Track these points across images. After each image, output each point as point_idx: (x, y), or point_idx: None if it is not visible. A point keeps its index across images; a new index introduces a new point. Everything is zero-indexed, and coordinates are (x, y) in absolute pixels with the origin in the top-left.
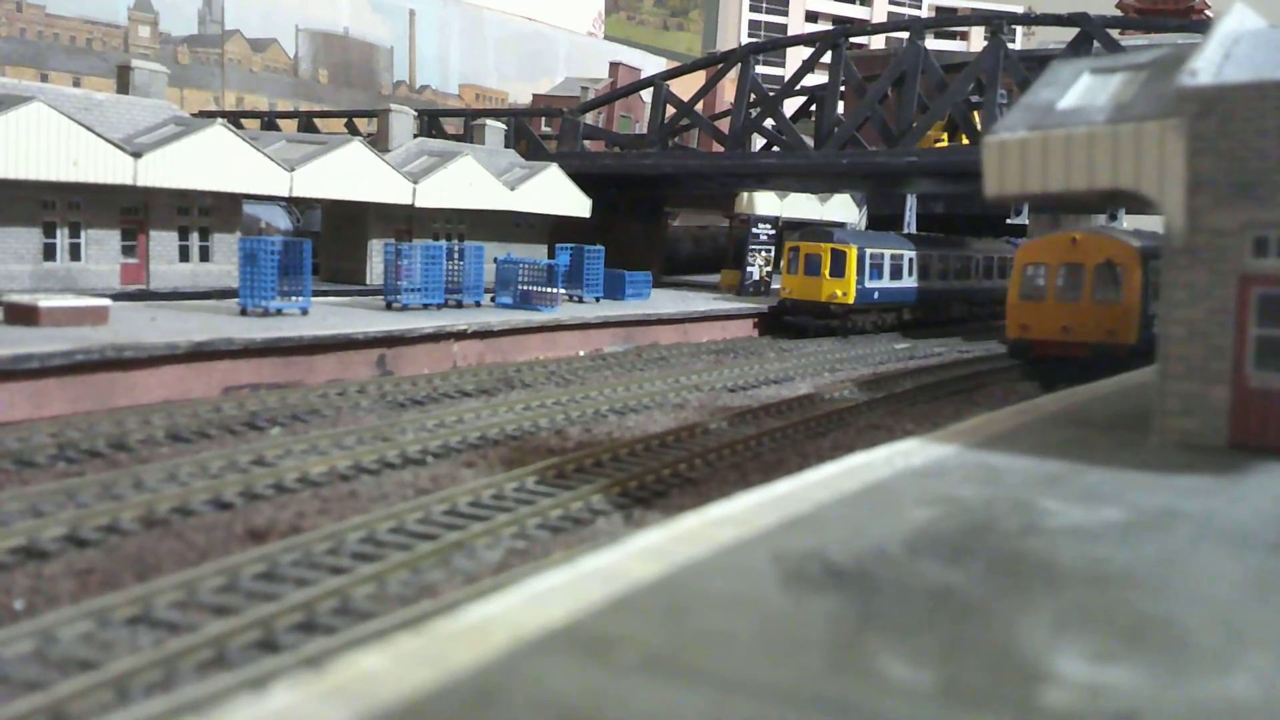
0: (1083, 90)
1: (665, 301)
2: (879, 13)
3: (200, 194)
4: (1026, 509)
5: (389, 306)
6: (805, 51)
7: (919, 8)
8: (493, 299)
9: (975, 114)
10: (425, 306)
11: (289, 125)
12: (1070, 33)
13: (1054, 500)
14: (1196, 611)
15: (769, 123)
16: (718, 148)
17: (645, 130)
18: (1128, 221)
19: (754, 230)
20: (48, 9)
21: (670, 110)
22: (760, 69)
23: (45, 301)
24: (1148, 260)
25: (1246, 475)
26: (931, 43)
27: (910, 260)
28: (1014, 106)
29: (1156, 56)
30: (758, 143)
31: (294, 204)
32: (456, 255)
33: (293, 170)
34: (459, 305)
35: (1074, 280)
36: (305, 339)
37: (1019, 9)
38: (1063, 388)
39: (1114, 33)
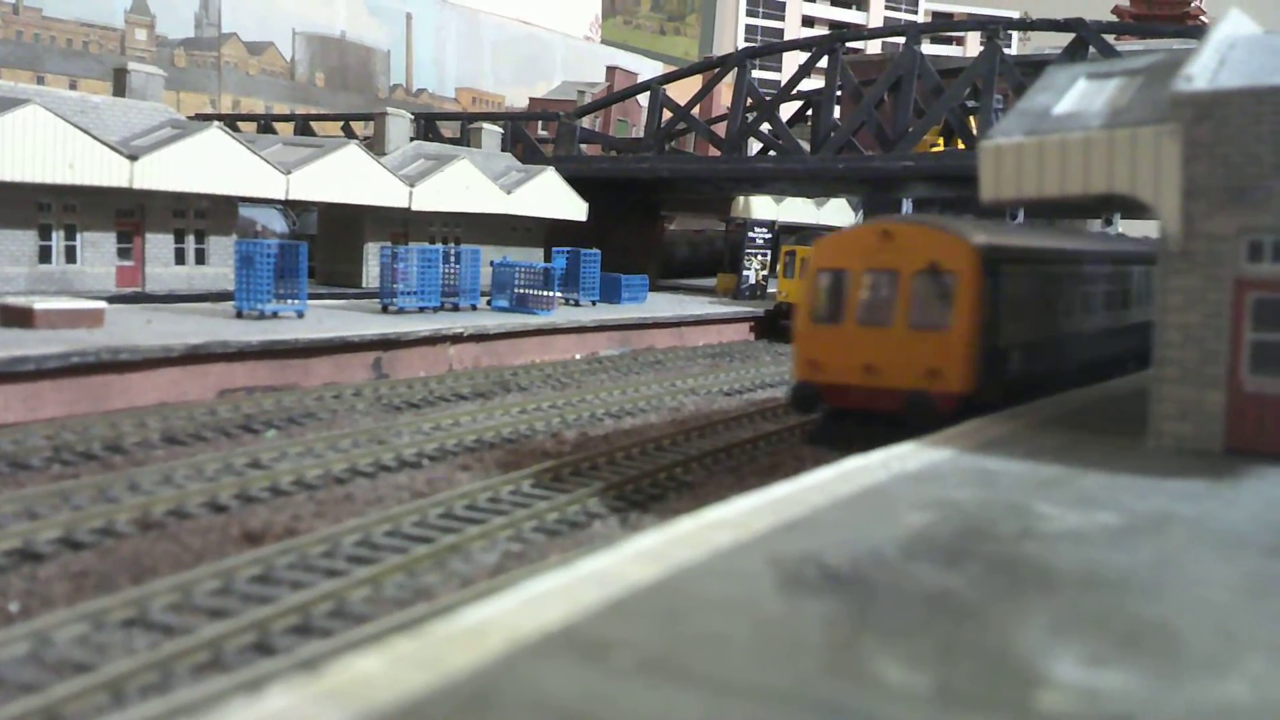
0: (1078, 95)
1: (661, 305)
2: (875, 18)
3: (196, 197)
4: (1022, 513)
5: (385, 309)
6: (802, 56)
7: (915, 13)
8: (489, 302)
9: (971, 119)
10: (421, 310)
11: (285, 128)
12: (1066, 38)
13: (1050, 504)
14: (1192, 615)
15: (765, 127)
16: (714, 152)
17: (642, 134)
18: (1123, 226)
19: (750, 234)
20: (44, 11)
21: (667, 114)
22: (756, 73)
23: (41, 304)
24: (997, 265)
25: (1241, 480)
26: (927, 48)
27: None
28: (1010, 111)
29: (1152, 62)
30: (754, 147)
31: (290, 207)
32: (453, 258)
33: (289, 173)
34: (455, 308)
35: (885, 295)
36: (301, 342)
37: (1015, 14)
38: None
39: (1109, 38)
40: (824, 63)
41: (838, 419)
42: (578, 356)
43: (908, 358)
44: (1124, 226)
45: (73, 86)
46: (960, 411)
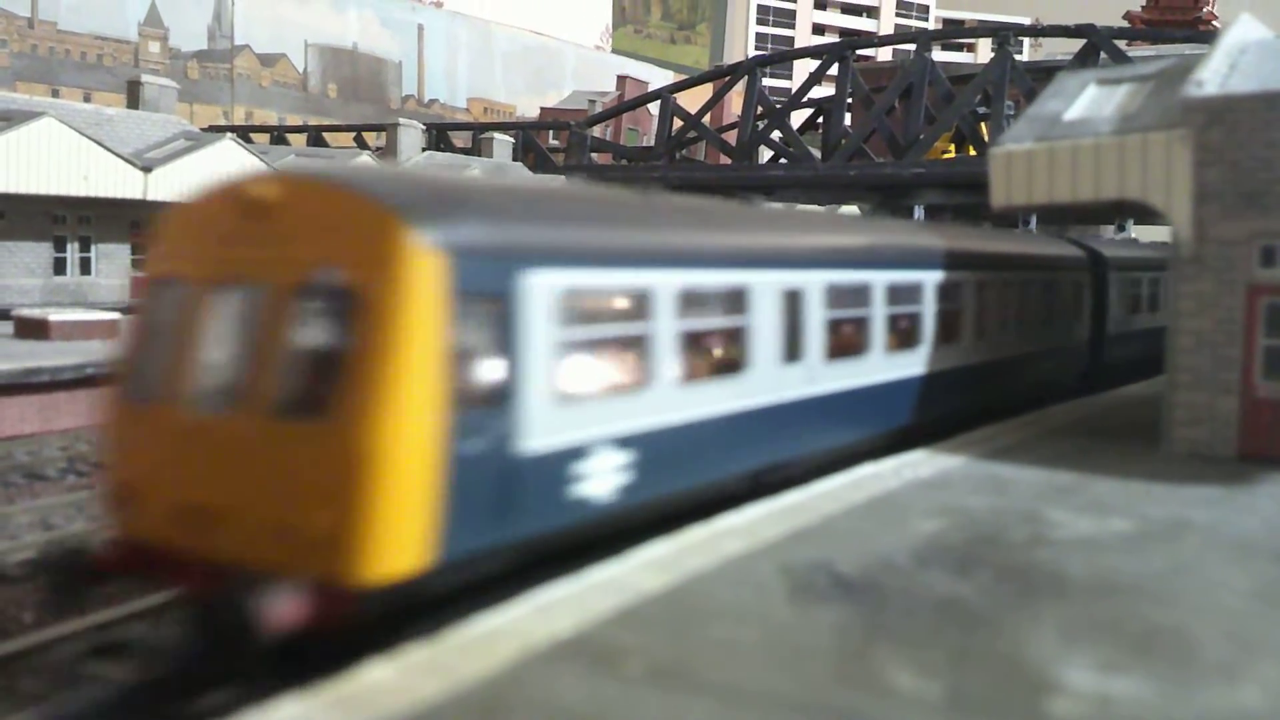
0: (1089, 101)
1: None
2: (886, 25)
3: None
4: (1035, 520)
5: None
6: (812, 64)
7: (926, 20)
8: None
9: (983, 125)
10: None
11: (298, 140)
12: (1077, 44)
13: (1062, 511)
14: (1205, 622)
15: (776, 135)
16: (725, 160)
17: (652, 143)
18: (1135, 231)
19: None
20: (59, 25)
21: (677, 123)
22: (767, 81)
23: (55, 315)
24: (518, 273)
25: (1255, 485)
26: (938, 54)
27: None
28: (1020, 117)
29: (1162, 67)
30: (765, 154)
31: None
32: None
33: None
34: None
35: (236, 339)
36: None
37: (1026, 21)
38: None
39: (1121, 43)
40: (835, 70)
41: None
42: None
43: (259, 487)
44: (1137, 232)
45: (87, 99)
46: (383, 624)
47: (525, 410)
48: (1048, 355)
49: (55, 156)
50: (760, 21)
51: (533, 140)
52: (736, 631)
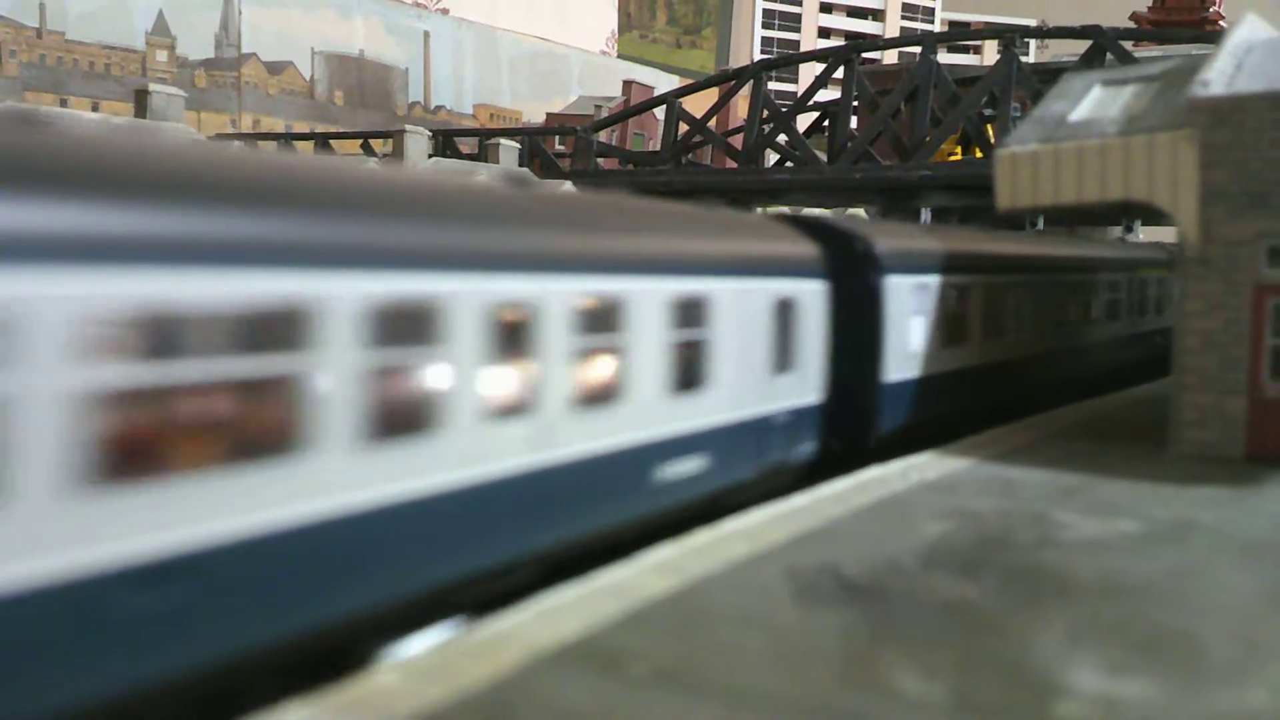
0: (1094, 102)
1: None
2: (891, 28)
3: None
4: (1042, 522)
5: None
6: (818, 67)
7: (931, 23)
8: None
9: (989, 127)
10: None
11: (305, 147)
12: (1083, 45)
13: (1069, 513)
14: (1212, 623)
15: (782, 138)
16: (731, 164)
17: (658, 148)
18: (1144, 234)
19: None
20: (67, 35)
21: (683, 127)
22: (773, 85)
23: None
24: None
25: (1263, 486)
26: (944, 56)
27: None
28: (1025, 119)
29: (1168, 68)
30: (771, 158)
31: None
32: None
33: None
34: None
35: None
36: None
37: (1032, 22)
38: None
39: (1127, 44)
40: (840, 73)
41: None
42: None
43: None
44: (1145, 234)
45: (95, 108)
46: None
47: None
48: (677, 448)
49: None
50: (766, 26)
51: (539, 146)
52: (742, 635)
